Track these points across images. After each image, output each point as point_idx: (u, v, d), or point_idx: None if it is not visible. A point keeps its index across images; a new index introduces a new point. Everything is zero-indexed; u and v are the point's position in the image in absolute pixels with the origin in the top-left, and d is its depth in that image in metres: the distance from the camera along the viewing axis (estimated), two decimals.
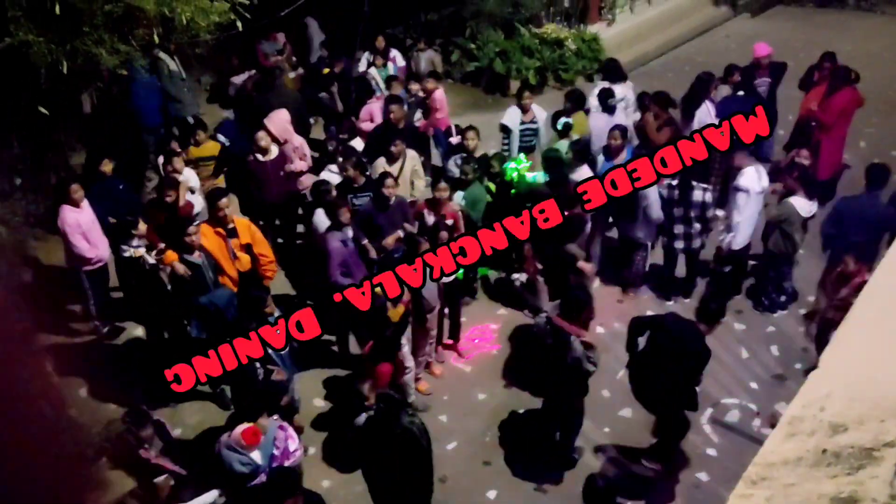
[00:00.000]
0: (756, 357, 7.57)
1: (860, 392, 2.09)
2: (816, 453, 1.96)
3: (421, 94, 9.89)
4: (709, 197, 7.70)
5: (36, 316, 6.63)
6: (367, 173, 8.13)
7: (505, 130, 9.18)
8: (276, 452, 5.42)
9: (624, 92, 9.73)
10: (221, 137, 8.98)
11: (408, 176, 8.31)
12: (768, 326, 7.97)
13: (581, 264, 7.45)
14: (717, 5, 16.59)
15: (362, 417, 5.54)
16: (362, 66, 11.64)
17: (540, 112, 9.39)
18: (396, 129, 8.79)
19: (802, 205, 7.46)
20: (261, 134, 8.43)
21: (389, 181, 7.49)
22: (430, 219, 7.56)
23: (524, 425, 6.96)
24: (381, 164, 8.18)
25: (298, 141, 8.95)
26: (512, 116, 9.25)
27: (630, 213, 7.86)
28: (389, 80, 10.28)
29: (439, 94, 10.06)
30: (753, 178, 7.73)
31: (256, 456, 5.36)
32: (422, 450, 5.31)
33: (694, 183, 7.70)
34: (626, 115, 9.53)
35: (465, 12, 13.71)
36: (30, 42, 6.39)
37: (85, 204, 7.67)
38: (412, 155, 8.49)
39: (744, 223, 7.71)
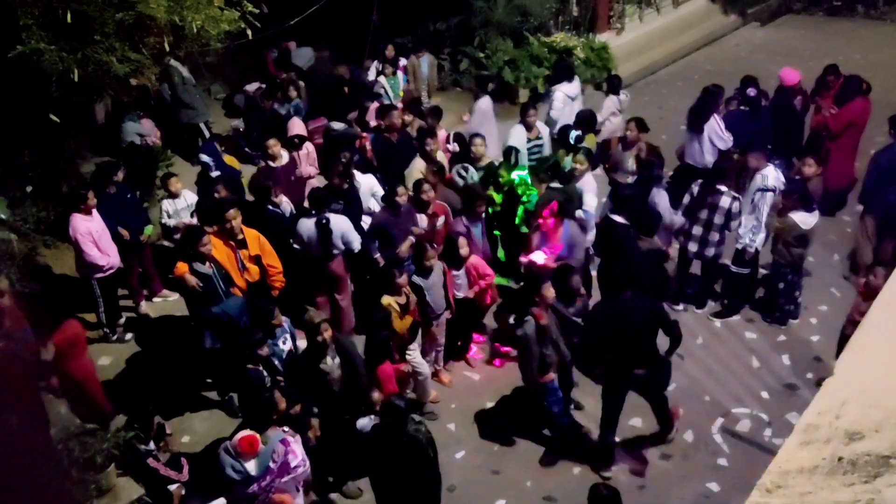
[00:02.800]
0: (767, 366, 7.50)
1: (876, 399, 2.06)
2: (832, 461, 1.93)
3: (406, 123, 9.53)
4: (736, 207, 7.61)
5: (45, 323, 6.66)
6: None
7: (511, 151, 8.77)
8: (272, 465, 5.37)
9: (574, 90, 10.26)
10: (204, 157, 8.87)
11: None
12: (779, 335, 7.90)
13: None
14: (726, 14, 16.57)
15: (366, 422, 5.50)
16: (371, 75, 11.71)
17: (544, 128, 9.36)
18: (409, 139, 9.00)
19: (802, 218, 7.41)
20: (271, 141, 8.71)
21: (401, 189, 7.60)
22: (423, 220, 7.67)
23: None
24: (418, 164, 8.38)
25: (310, 147, 9.25)
26: (518, 136, 9.00)
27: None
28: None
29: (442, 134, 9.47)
30: (775, 176, 7.78)
31: (251, 466, 5.33)
32: (428, 459, 5.28)
33: (724, 188, 7.64)
34: (573, 112, 9.94)
35: (474, 21, 13.73)
36: (41, 50, 6.40)
37: (95, 212, 7.72)
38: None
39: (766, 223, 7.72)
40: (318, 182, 8.89)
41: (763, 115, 9.29)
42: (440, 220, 7.72)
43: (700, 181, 7.87)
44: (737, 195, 7.78)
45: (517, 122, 9.28)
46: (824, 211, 8.93)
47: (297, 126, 9.93)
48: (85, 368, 6.31)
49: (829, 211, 9.32)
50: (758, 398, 7.16)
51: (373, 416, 5.73)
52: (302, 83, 11.39)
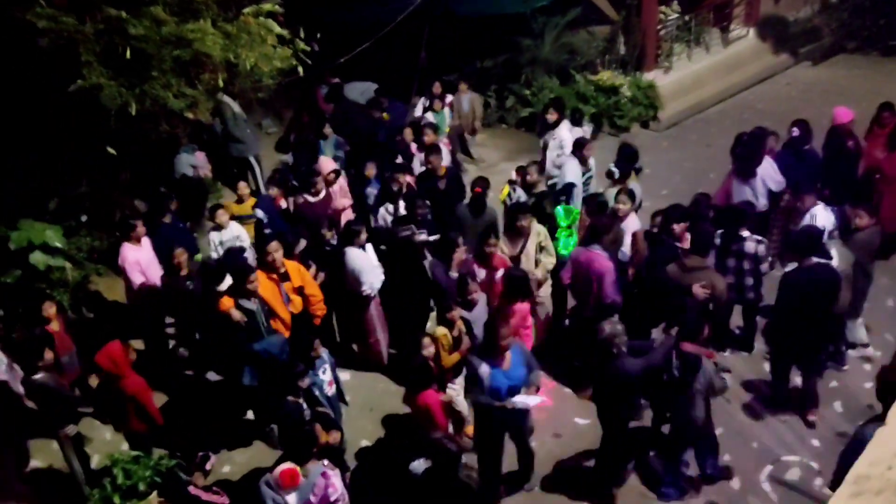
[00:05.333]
0: (818, 413, 7.28)
1: None
2: None
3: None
4: (762, 249, 7.45)
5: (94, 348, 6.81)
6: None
7: (570, 188, 8.64)
8: (312, 499, 5.36)
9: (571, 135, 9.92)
10: (259, 213, 8.92)
11: (532, 253, 7.68)
12: (831, 381, 7.67)
13: (695, 288, 6.88)
14: (777, 53, 16.40)
15: (420, 465, 5.45)
16: (418, 111, 11.87)
17: (593, 161, 9.31)
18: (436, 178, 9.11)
19: None
20: (318, 179, 9.02)
21: (460, 240, 7.48)
22: (482, 273, 7.46)
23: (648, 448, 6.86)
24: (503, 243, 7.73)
25: (342, 181, 9.53)
26: (574, 172, 8.83)
27: None
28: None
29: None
30: (825, 216, 7.73)
31: (291, 499, 5.33)
32: None
33: (746, 234, 7.50)
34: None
35: (521, 59, 13.85)
36: (101, 85, 6.66)
37: (145, 241, 7.92)
38: (539, 230, 7.77)
39: None
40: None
41: (809, 155, 9.09)
42: (499, 273, 7.35)
43: (720, 231, 7.67)
44: (761, 238, 7.57)
45: (569, 158, 9.21)
46: (878, 255, 8.68)
47: (328, 164, 9.97)
48: (136, 383, 6.48)
49: (884, 255, 9.07)
50: (808, 446, 6.95)
51: (424, 459, 5.66)
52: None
